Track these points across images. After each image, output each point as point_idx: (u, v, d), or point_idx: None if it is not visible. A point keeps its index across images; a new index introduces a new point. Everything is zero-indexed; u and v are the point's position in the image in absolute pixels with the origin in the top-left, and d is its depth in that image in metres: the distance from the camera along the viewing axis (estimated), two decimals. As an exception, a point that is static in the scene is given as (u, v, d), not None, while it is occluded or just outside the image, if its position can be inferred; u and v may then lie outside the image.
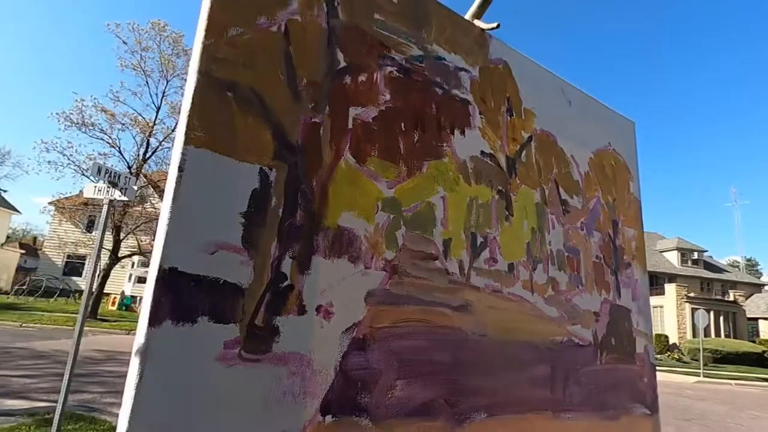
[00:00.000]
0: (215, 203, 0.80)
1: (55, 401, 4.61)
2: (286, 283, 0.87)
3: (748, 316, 30.68)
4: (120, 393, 0.69)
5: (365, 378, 0.96)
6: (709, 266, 35.08)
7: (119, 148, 17.12)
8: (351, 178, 1.01)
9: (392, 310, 1.03)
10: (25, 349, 9.82)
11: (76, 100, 16.28)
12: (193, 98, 0.82)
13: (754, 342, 26.97)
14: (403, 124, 1.13)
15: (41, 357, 9.01)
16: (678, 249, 33.69)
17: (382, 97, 1.10)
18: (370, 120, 1.07)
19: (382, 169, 1.07)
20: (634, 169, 1.82)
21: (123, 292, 24.85)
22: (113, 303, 23.46)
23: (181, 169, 0.77)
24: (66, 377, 4.48)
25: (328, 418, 0.89)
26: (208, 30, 0.86)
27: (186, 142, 0.79)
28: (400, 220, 1.08)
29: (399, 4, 1.18)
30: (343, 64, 1.05)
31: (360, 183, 1.02)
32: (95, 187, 5.03)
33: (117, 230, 17.21)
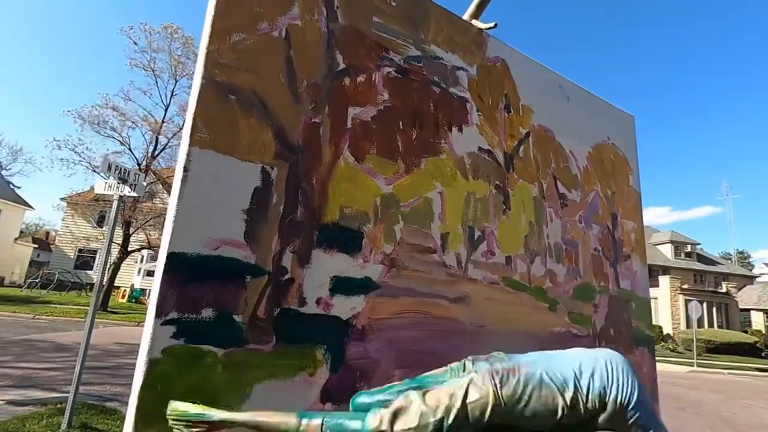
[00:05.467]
0: (219, 201, 0.85)
1: (80, 392, 4.74)
2: (286, 277, 0.91)
3: (741, 307, 30.64)
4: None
5: (364, 367, 0.99)
6: (702, 259, 35.00)
7: (129, 145, 17.30)
8: (350, 175, 1.05)
9: (390, 301, 1.06)
10: (46, 341, 10.02)
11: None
12: (197, 102, 0.86)
13: (746, 332, 26.97)
14: (401, 123, 1.16)
15: (63, 350, 9.18)
16: (672, 242, 33.67)
17: (381, 96, 1.14)
18: (369, 119, 1.11)
19: (381, 166, 1.10)
20: (633, 162, 1.84)
21: (132, 285, 25.13)
22: (123, 296, 23.75)
23: (186, 169, 0.81)
24: (78, 367, 4.59)
25: (328, 405, 0.92)
26: (211, 36, 0.89)
27: (191, 143, 0.83)
28: (399, 215, 1.12)
29: (397, 7, 1.21)
30: (342, 65, 1.08)
31: (359, 180, 1.06)
32: (106, 183, 5.10)
33: (127, 225, 17.40)
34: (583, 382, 0.68)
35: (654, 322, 27.68)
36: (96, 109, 16.20)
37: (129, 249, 18.10)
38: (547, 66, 1.56)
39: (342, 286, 0.99)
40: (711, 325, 28.57)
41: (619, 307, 1.58)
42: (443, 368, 0.76)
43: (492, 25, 1.36)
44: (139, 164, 17.12)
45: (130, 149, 17.26)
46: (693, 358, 18.99)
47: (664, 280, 30.03)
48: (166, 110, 17.67)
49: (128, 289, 24.52)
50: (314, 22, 1.05)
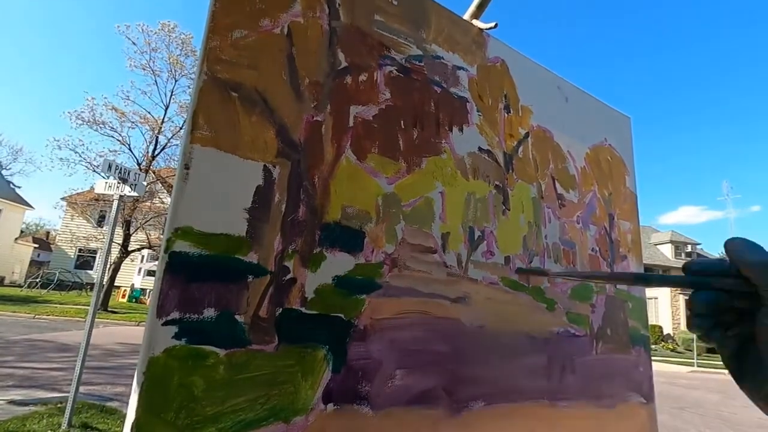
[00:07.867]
0: (221, 199, 0.84)
1: (81, 392, 4.75)
2: (289, 277, 0.91)
3: (740, 307, 30.73)
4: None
5: (366, 368, 0.99)
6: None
7: (129, 145, 17.35)
8: (352, 174, 1.04)
9: (392, 301, 1.06)
10: (47, 341, 10.02)
11: (87, 99, 16.52)
12: (198, 99, 0.85)
13: (745, 332, 27.03)
14: (402, 122, 1.16)
15: (64, 349, 9.18)
16: (672, 242, 33.77)
17: (382, 95, 1.13)
18: (371, 118, 1.10)
19: (382, 165, 1.10)
20: (629, 163, 1.84)
21: (133, 285, 25.16)
22: (123, 295, 23.77)
23: (187, 166, 0.81)
24: (78, 366, 4.60)
25: (330, 407, 0.92)
26: (213, 32, 0.89)
27: (192, 141, 0.83)
28: (400, 214, 1.11)
29: (399, 5, 1.21)
30: (344, 64, 1.08)
31: (360, 179, 1.05)
32: (106, 183, 5.12)
33: (127, 225, 17.45)
34: None
35: (654, 322, 27.73)
36: (94, 108, 16.23)
37: (129, 249, 18.13)
38: (546, 66, 1.56)
39: (344, 286, 0.98)
40: (711, 325, 28.67)
41: (615, 307, 1.58)
42: None
43: (492, 25, 1.36)
44: (138, 164, 17.15)
45: (129, 149, 17.31)
46: (693, 358, 19.03)
47: (664, 280, 30.14)
48: (165, 110, 17.72)
49: (128, 289, 24.55)
50: (316, 19, 1.05)
